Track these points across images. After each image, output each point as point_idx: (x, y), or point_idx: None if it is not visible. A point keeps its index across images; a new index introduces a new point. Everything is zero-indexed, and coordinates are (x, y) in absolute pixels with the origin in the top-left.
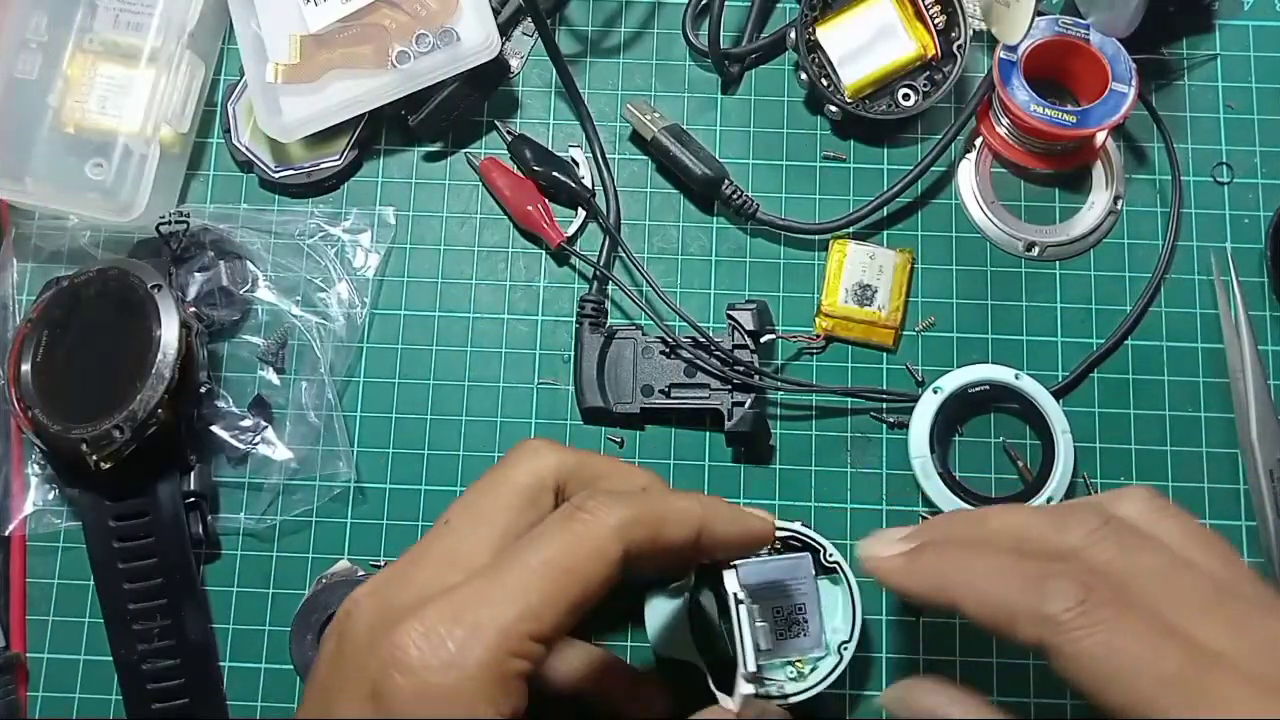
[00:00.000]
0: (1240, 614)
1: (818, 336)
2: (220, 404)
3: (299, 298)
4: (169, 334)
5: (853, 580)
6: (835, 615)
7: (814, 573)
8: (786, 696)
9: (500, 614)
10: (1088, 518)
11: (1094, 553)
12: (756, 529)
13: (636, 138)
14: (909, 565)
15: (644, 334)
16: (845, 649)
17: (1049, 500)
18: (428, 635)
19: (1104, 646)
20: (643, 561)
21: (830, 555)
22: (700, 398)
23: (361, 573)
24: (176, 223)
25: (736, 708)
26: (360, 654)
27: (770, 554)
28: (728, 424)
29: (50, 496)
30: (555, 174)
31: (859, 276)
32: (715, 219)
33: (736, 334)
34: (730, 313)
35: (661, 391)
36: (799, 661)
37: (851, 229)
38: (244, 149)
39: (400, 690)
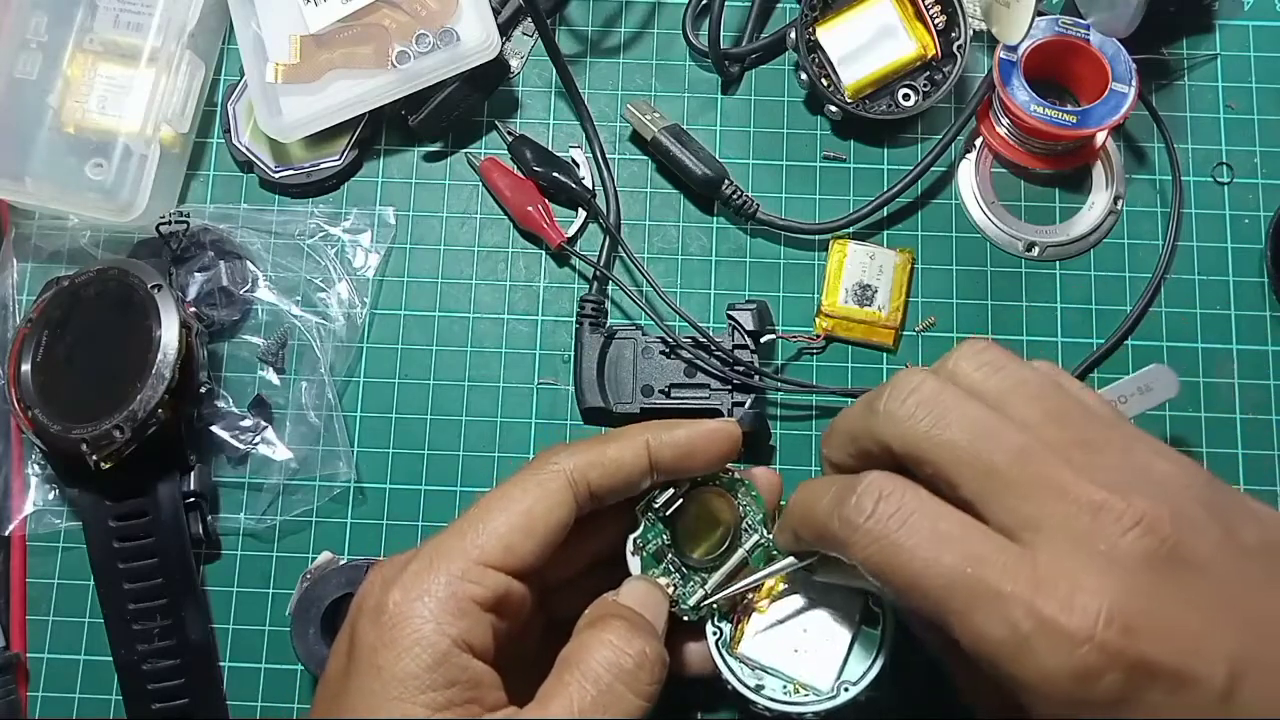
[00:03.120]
0: (1045, 478)
1: (818, 336)
2: (220, 404)
3: (299, 298)
4: (169, 334)
5: (889, 635)
6: (857, 660)
7: (859, 617)
8: (760, 692)
9: (452, 546)
10: (895, 390)
11: (903, 431)
12: (706, 428)
13: (636, 138)
14: (779, 526)
15: (644, 334)
16: (845, 689)
17: None
18: (391, 569)
19: (891, 552)
20: (615, 493)
21: (876, 603)
22: (700, 398)
23: (343, 560)
24: (176, 223)
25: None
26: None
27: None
28: None
29: (50, 496)
30: (555, 174)
31: (859, 276)
32: (715, 219)
33: (736, 334)
34: (730, 313)
35: (661, 392)
36: (798, 686)
37: (851, 229)
38: (244, 149)
39: (362, 616)
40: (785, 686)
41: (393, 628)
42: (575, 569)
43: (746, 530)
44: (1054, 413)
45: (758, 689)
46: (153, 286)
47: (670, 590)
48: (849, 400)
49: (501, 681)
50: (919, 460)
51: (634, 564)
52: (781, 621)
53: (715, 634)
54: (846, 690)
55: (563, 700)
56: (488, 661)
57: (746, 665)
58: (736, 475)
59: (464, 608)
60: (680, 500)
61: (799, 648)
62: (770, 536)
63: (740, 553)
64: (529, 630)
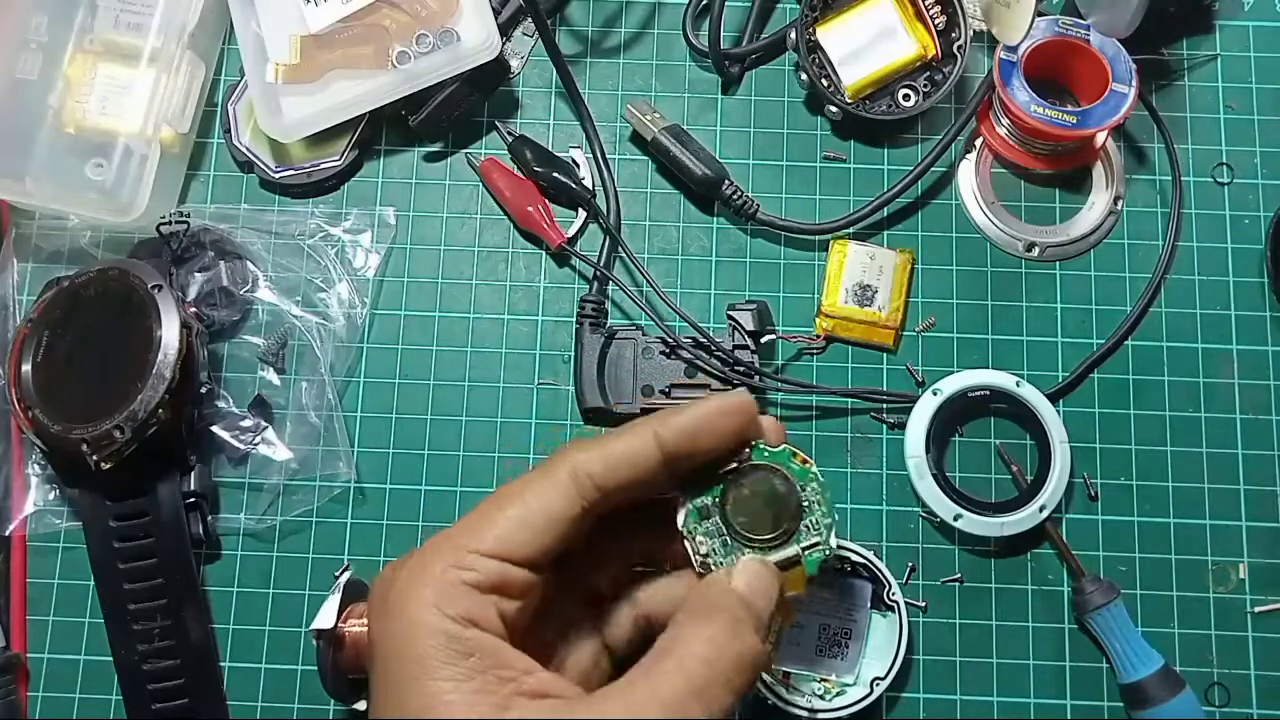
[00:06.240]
0: None
1: (818, 337)
2: (220, 404)
3: (299, 298)
4: (169, 334)
5: (905, 621)
6: (880, 650)
7: (869, 604)
8: (815, 713)
9: (448, 537)
10: None
11: None
12: (712, 406)
13: (637, 138)
14: None
15: (644, 334)
16: (878, 684)
17: (1041, 509)
18: (393, 567)
19: None
20: (626, 488)
21: (892, 594)
22: (700, 398)
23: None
24: (177, 223)
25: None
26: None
27: (840, 573)
28: None
29: (50, 496)
30: (555, 175)
31: (859, 277)
32: (715, 219)
33: (737, 334)
34: (730, 313)
35: (662, 392)
36: (827, 681)
37: (851, 229)
38: (244, 149)
39: (373, 610)
40: (818, 687)
41: (399, 615)
42: (619, 565)
43: (807, 529)
44: None
45: (811, 711)
46: (153, 286)
47: (703, 548)
48: (849, 400)
49: (532, 656)
50: None
51: (680, 515)
52: (802, 626)
53: None
54: (879, 684)
55: (648, 687)
56: (501, 637)
57: (786, 682)
58: (812, 469)
59: (461, 590)
60: (737, 467)
61: (821, 648)
62: (833, 546)
63: (794, 549)
64: (567, 617)
